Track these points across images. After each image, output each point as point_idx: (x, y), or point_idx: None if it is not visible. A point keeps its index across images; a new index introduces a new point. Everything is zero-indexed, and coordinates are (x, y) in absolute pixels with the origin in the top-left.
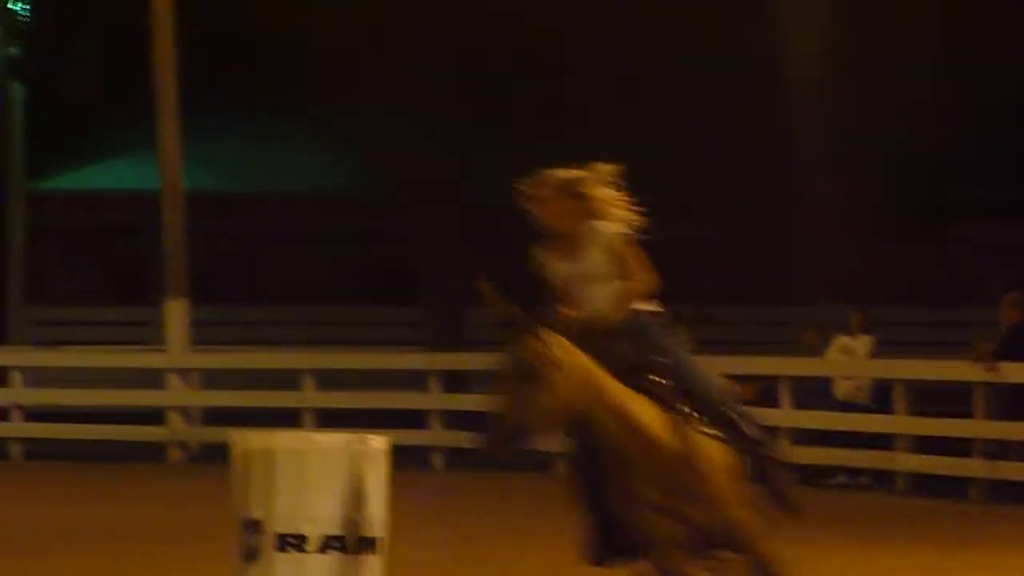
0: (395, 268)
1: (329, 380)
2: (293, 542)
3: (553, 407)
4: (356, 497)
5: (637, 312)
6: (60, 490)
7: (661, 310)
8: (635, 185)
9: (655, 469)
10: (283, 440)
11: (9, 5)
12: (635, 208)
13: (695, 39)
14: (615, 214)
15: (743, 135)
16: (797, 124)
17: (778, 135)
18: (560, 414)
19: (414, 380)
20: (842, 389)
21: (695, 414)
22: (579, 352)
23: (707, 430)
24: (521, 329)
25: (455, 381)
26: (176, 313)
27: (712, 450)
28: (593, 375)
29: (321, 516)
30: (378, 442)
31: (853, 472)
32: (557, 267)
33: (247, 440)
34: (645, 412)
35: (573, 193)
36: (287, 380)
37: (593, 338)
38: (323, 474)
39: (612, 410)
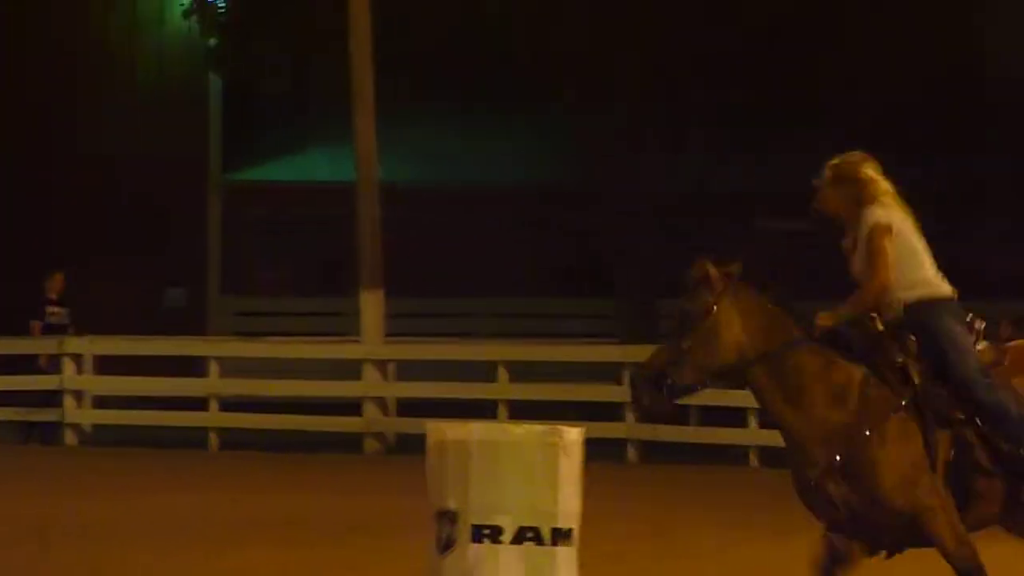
0: (589, 260)
1: (523, 372)
2: (488, 533)
3: (703, 359)
4: (551, 488)
5: (920, 301)
6: (256, 480)
7: (952, 295)
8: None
9: (818, 445)
10: (478, 431)
11: None
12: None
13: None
14: (883, 200)
15: (938, 132)
16: (991, 121)
17: (971, 132)
18: (711, 368)
19: (608, 372)
20: None
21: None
22: (760, 308)
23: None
24: (698, 282)
25: None
26: (372, 304)
27: (907, 436)
28: (767, 332)
29: (516, 507)
30: (573, 434)
31: None
32: (850, 258)
33: (442, 431)
34: (823, 389)
35: (845, 179)
36: (482, 371)
37: (859, 332)
38: (518, 465)
39: (776, 375)
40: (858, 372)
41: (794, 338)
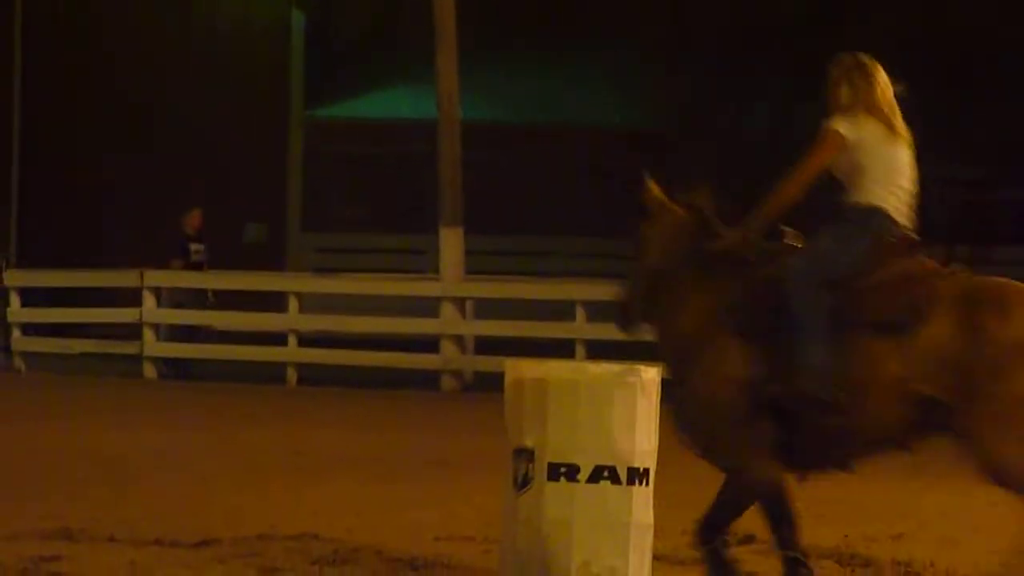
0: None
1: (601, 311)
2: (564, 471)
3: (632, 286)
4: (627, 428)
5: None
6: (333, 416)
7: (874, 207)
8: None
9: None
10: (556, 369)
11: None
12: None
13: None
14: (841, 104)
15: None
16: None
17: None
18: (637, 295)
19: None
20: None
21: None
22: (676, 227)
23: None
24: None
25: None
26: (451, 242)
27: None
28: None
29: (592, 446)
30: (650, 373)
31: None
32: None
33: (520, 369)
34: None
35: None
36: (559, 311)
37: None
38: (595, 404)
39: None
40: (721, 290)
41: (683, 252)
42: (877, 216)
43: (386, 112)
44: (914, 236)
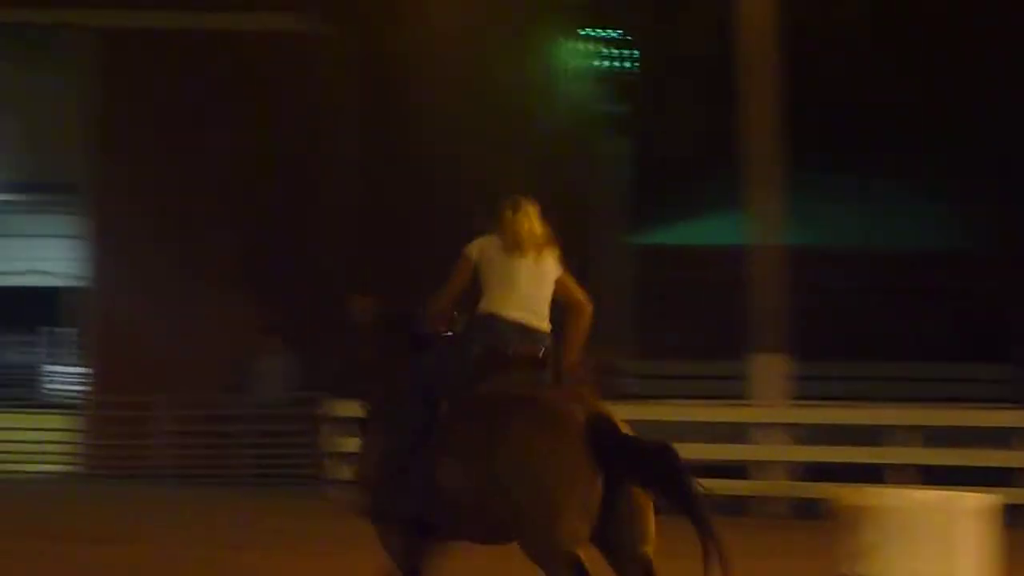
0: (981, 324)
1: (914, 436)
2: None
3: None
4: (948, 553)
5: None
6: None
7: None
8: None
9: None
10: (884, 497)
11: (617, 63)
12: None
13: None
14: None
15: None
16: None
17: None
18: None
19: (1001, 438)
20: None
21: None
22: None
23: None
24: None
25: None
26: (770, 367)
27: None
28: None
29: (925, 572)
30: (976, 500)
31: None
32: None
33: (848, 496)
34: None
35: None
36: (872, 435)
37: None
38: (923, 530)
39: None
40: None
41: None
42: (489, 324)
43: (712, 238)
44: (534, 342)
